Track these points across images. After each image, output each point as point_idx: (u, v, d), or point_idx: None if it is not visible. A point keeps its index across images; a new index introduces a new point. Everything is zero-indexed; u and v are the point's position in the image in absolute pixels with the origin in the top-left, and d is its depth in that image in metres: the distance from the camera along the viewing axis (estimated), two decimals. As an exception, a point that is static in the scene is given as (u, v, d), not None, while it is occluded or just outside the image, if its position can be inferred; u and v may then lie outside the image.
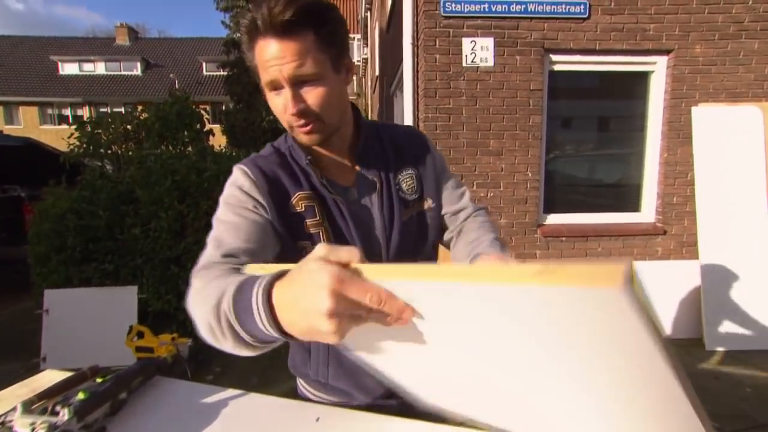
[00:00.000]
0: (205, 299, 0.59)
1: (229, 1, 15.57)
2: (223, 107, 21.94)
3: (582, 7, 3.31)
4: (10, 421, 0.75)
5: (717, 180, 3.31)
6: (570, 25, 3.34)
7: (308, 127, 0.74)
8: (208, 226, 2.69)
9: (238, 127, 14.16)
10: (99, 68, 25.63)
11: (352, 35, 26.19)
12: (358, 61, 21.38)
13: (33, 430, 0.72)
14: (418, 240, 0.89)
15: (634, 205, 3.75)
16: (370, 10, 12.70)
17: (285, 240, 0.79)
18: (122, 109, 23.89)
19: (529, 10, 3.30)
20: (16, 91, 23.84)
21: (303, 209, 0.80)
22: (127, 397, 0.87)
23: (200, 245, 3.22)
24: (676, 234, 3.58)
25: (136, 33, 29.67)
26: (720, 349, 3.14)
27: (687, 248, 3.55)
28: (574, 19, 3.33)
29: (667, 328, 3.36)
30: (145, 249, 3.18)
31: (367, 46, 15.30)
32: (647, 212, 3.71)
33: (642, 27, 3.38)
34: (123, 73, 25.68)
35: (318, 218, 0.80)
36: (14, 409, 0.76)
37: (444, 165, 0.95)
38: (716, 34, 3.45)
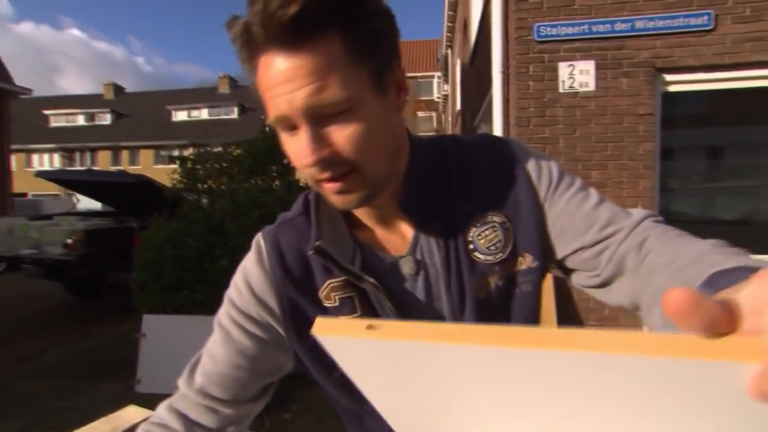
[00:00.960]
0: None
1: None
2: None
3: (706, 18, 2.96)
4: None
5: None
6: (689, 40, 3.01)
7: (338, 184, 0.50)
8: None
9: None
10: (203, 114, 28.92)
11: (430, 73, 26.80)
12: (438, 97, 21.72)
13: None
14: (507, 318, 0.60)
15: (771, 247, 3.16)
16: (451, 47, 12.91)
17: (302, 348, 0.59)
18: (220, 149, 26.70)
19: (636, 27, 3.03)
20: (139, 137, 27.82)
21: (337, 303, 0.57)
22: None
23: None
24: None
25: (236, 81, 33.14)
26: None
27: None
28: (694, 32, 3.00)
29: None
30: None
31: (447, 82, 15.49)
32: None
33: None
34: (222, 117, 28.67)
35: (359, 313, 0.57)
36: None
37: (555, 176, 0.60)
38: None
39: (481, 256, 0.58)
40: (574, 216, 0.58)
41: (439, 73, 21.20)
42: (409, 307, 0.58)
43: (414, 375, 0.33)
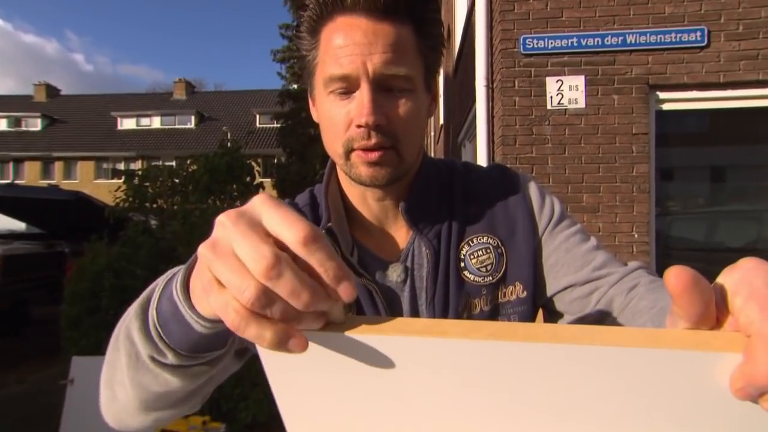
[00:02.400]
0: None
1: (286, 52, 17.00)
2: (275, 161, 23.45)
3: (699, 34, 3.15)
4: None
5: None
6: (682, 56, 3.19)
7: (377, 154, 0.57)
8: None
9: (290, 181, 14.85)
10: (155, 122, 28.64)
11: (412, 83, 27.75)
12: (418, 109, 22.21)
13: None
14: None
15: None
16: (434, 55, 13.25)
17: None
18: (173, 163, 26.30)
19: (628, 42, 3.19)
20: (77, 147, 27.16)
21: None
22: None
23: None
24: None
25: (193, 87, 33.10)
26: None
27: None
28: (688, 48, 3.18)
29: None
30: (182, 314, 3.22)
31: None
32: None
33: None
34: (177, 126, 28.45)
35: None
36: None
37: (557, 213, 0.68)
38: None
39: (471, 276, 0.64)
40: (570, 253, 0.65)
41: (420, 83, 21.76)
42: (393, 314, 0.62)
43: (348, 369, 0.35)
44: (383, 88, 0.56)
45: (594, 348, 0.29)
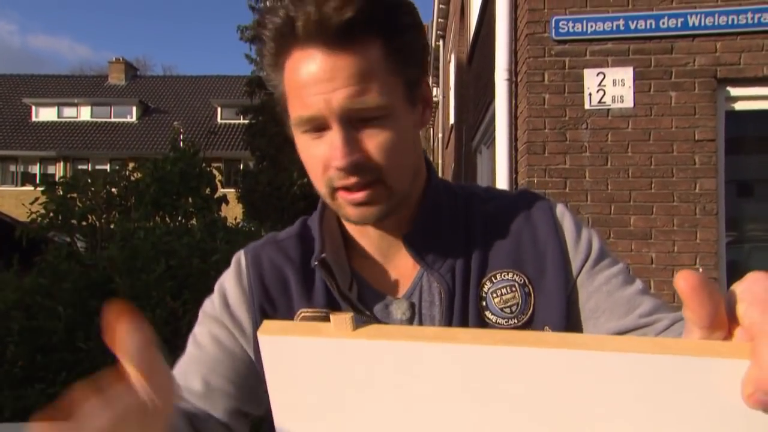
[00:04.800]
0: None
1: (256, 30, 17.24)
2: (241, 166, 23.49)
3: None
4: None
5: None
6: (762, 43, 3.33)
7: (362, 193, 0.66)
8: None
9: (260, 193, 14.90)
10: (83, 114, 28.65)
11: (416, 70, 28.06)
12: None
13: None
14: None
15: None
16: (443, 38, 13.50)
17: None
18: (107, 166, 26.25)
19: (690, 24, 3.34)
20: (-26, 143, 26.86)
21: None
22: None
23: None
24: None
25: (135, 70, 33.33)
26: None
27: None
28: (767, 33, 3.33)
29: None
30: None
31: (438, 85, 16.08)
32: None
33: None
34: (113, 120, 28.52)
35: None
36: None
37: (595, 250, 0.75)
38: None
39: (493, 317, 0.72)
40: (613, 297, 0.72)
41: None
42: None
43: (354, 375, 0.45)
44: (355, 121, 0.65)
45: (603, 354, 0.37)
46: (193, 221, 4.38)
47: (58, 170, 26.51)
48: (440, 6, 11.90)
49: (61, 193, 4.28)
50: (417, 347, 0.42)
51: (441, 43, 14.13)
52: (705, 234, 3.34)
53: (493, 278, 0.73)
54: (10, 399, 3.26)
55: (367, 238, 0.77)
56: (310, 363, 0.46)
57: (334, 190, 0.68)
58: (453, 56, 10.65)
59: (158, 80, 33.19)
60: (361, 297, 0.74)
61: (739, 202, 3.52)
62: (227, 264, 2.71)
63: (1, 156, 26.81)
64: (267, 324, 0.46)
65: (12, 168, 27.16)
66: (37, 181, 26.76)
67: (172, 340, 3.30)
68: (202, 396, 0.75)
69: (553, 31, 3.42)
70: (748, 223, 3.59)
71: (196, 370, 0.76)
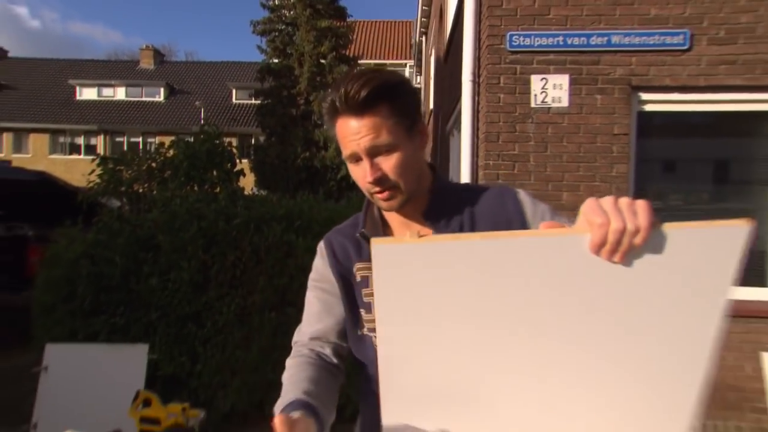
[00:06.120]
0: (283, 389, 1.02)
1: (267, 24, 16.93)
2: (252, 140, 23.30)
3: (682, 37, 3.47)
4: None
5: None
6: (665, 59, 3.50)
7: (386, 194, 0.96)
8: (234, 280, 3.01)
9: (269, 165, 14.89)
10: (119, 93, 28.15)
11: (404, 61, 27.61)
12: (409, 89, 22.30)
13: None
14: None
15: (758, 278, 3.66)
16: (426, 34, 13.43)
17: (347, 307, 1.09)
18: (140, 139, 26.01)
19: (612, 42, 3.50)
20: (29, 117, 26.41)
21: (360, 279, 1.07)
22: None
23: (223, 301, 3.42)
24: (809, 317, 3.45)
25: (162, 56, 32.57)
26: None
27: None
28: (671, 51, 3.50)
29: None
30: (162, 302, 3.45)
31: (420, 74, 16.01)
32: (774, 287, 3.61)
33: (763, 58, 3.46)
34: (144, 99, 28.02)
35: (370, 288, 1.01)
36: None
37: (548, 213, 1.03)
38: None
39: None
40: None
41: (411, 62, 21.79)
42: None
43: (447, 271, 0.67)
44: (375, 154, 0.93)
45: (523, 239, 0.67)
46: (218, 190, 4.47)
47: (99, 142, 26.26)
48: (423, 7, 11.80)
49: (111, 166, 4.40)
50: (472, 243, 0.66)
51: (423, 39, 14.04)
52: (619, 207, 3.54)
53: None
54: (82, 326, 3.45)
55: (395, 218, 1.07)
56: (403, 261, 0.68)
57: (371, 194, 0.98)
58: (433, 51, 10.65)
59: (182, 65, 32.47)
60: None
61: (645, 182, 3.70)
62: (247, 226, 3.20)
63: (52, 129, 26.35)
64: (376, 239, 0.69)
65: (61, 140, 26.74)
66: (82, 152, 26.60)
67: (203, 284, 3.48)
68: (321, 328, 1.10)
69: (508, 43, 3.54)
70: (651, 198, 3.75)
71: (317, 312, 1.11)
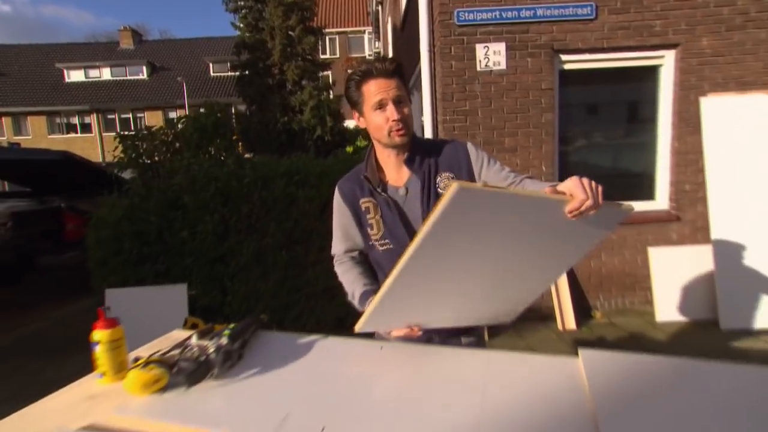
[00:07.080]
0: (345, 285, 1.38)
1: (238, 2, 16.24)
2: (233, 109, 22.75)
3: (589, 8, 3.76)
4: (189, 342, 1.26)
5: (728, 167, 3.68)
6: (578, 26, 3.79)
7: (403, 131, 1.21)
8: (250, 228, 3.51)
9: (253, 131, 14.77)
10: (105, 74, 26.70)
11: (362, 28, 26.86)
12: (369, 55, 21.92)
13: (207, 347, 1.23)
14: None
15: (648, 194, 4.16)
16: (381, 4, 13.21)
17: (359, 227, 1.36)
18: (130, 115, 25.02)
19: (538, 14, 3.76)
20: (23, 101, 25.02)
21: (364, 209, 1.33)
22: (249, 338, 1.36)
23: (242, 245, 3.82)
24: (689, 220, 4.00)
25: (140, 35, 30.79)
26: (734, 327, 3.53)
27: (700, 233, 3.95)
28: (581, 20, 3.78)
29: (684, 310, 3.78)
30: (193, 250, 3.74)
31: (378, 40, 15.81)
32: (661, 200, 4.12)
33: (648, 24, 3.81)
34: (129, 78, 26.69)
35: (373, 214, 1.31)
36: (190, 337, 1.28)
37: (486, 159, 1.28)
38: (722, 26, 3.84)
39: (441, 191, 1.25)
40: (498, 175, 1.26)
41: (370, 29, 21.32)
42: (402, 209, 1.28)
43: (490, 213, 0.80)
44: (397, 102, 1.20)
45: (525, 197, 0.85)
46: (223, 156, 4.66)
47: (92, 120, 25.16)
48: (378, -20, 11.59)
49: (130, 141, 4.54)
50: (515, 197, 0.82)
51: (380, 7, 13.83)
52: (547, 148, 3.87)
53: (440, 175, 1.27)
54: (132, 274, 3.71)
55: (389, 163, 1.31)
56: (469, 201, 0.75)
57: (390, 132, 1.21)
58: (390, 20, 10.59)
59: (160, 44, 30.79)
60: (384, 188, 1.29)
61: (567, 126, 4.02)
62: (255, 183, 3.68)
63: (48, 111, 25.05)
64: (455, 183, 0.73)
65: (57, 120, 25.50)
66: (78, 130, 25.51)
67: (224, 233, 3.73)
68: (349, 244, 1.40)
69: (456, 18, 3.73)
70: (572, 141, 4.09)
71: (341, 236, 1.40)
